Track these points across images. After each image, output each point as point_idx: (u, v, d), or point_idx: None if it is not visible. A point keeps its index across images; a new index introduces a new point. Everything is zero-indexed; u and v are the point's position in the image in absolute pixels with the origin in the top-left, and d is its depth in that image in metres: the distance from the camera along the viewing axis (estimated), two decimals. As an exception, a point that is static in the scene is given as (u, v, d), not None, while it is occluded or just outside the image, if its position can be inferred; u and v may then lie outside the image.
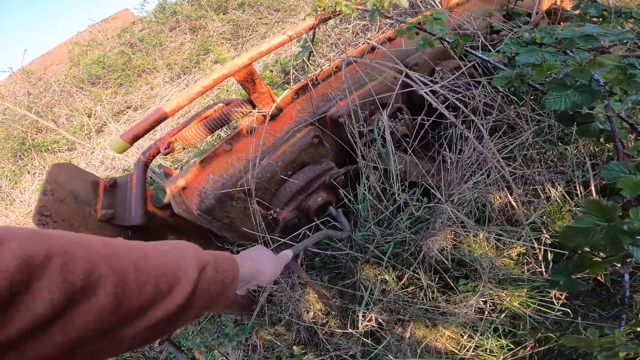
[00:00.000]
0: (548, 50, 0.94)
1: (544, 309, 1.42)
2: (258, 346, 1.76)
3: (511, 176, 1.06)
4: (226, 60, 4.75)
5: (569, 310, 1.40)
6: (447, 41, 1.28)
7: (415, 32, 1.29)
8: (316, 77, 1.58)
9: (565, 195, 1.52)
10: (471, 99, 1.33)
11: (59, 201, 1.16)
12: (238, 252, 1.80)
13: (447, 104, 1.34)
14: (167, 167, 1.70)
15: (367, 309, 1.53)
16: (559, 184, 1.48)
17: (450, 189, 1.41)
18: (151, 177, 2.93)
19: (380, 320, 1.57)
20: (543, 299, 1.43)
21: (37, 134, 5.23)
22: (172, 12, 5.37)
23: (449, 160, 1.40)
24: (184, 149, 1.58)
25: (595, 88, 0.88)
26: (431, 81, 1.31)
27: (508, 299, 1.47)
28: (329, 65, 1.60)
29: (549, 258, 1.46)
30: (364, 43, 1.65)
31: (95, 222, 1.22)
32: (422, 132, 1.48)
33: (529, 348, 1.44)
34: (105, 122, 5.08)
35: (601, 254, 0.85)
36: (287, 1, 4.77)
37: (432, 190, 1.40)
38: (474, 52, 1.18)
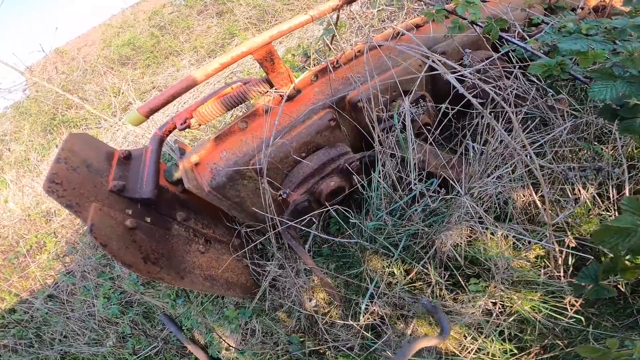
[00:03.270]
0: (595, 39, 0.84)
1: (556, 315, 1.33)
2: (257, 331, 1.73)
3: (540, 172, 0.96)
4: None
5: (581, 318, 1.31)
6: (479, 26, 1.18)
7: (444, 15, 1.19)
8: (337, 60, 1.51)
9: (596, 197, 1.40)
10: (502, 89, 1.23)
11: (72, 170, 1.15)
12: (246, 233, 1.78)
13: (474, 93, 1.25)
14: (182, 143, 1.68)
15: (371, 302, 1.47)
16: (591, 184, 1.36)
17: (471, 182, 1.32)
18: (168, 154, 2.94)
19: (383, 314, 1.51)
20: (556, 304, 1.34)
21: (67, 110, 5.37)
22: (200, -5, 5.38)
23: (472, 152, 1.30)
24: (200, 125, 1.55)
25: (645, 79, 0.78)
26: (460, 65, 1.21)
27: (519, 302, 1.38)
28: (351, 49, 1.52)
29: (569, 262, 1.37)
30: (389, 29, 1.56)
31: (105, 193, 1.20)
32: (445, 121, 1.39)
33: (533, 354, 1.35)
34: (131, 101, 5.17)
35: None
36: (316, -13, 4.68)
37: (451, 183, 1.31)
38: (509, 37, 1.08)
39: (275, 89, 1.42)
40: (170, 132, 1.55)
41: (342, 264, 1.81)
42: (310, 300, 1.65)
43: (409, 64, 1.51)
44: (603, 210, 1.46)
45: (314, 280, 1.72)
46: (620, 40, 0.93)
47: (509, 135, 1.26)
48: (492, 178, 1.24)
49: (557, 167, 1.09)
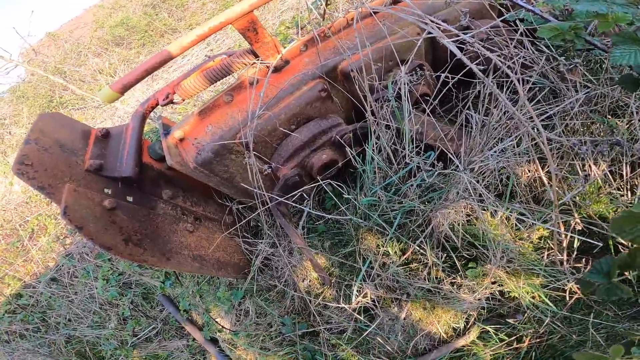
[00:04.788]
0: (615, 1, 0.73)
1: (556, 302, 1.25)
2: (250, 312, 1.69)
3: (547, 146, 0.86)
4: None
5: (583, 306, 1.23)
6: None
7: None
8: (327, 29, 1.39)
9: (608, 174, 1.30)
10: (508, 59, 1.11)
11: (43, 150, 1.07)
12: (238, 210, 1.71)
13: (477, 61, 1.13)
14: (167, 119, 1.59)
15: (363, 283, 1.41)
16: (603, 160, 1.25)
17: (471, 155, 1.22)
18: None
19: (375, 297, 1.45)
20: (556, 291, 1.26)
21: (64, 92, 5.26)
22: (193, -31, 5.13)
23: (473, 123, 1.20)
24: (183, 100, 1.45)
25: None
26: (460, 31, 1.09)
27: (519, 288, 1.30)
28: (343, 17, 1.40)
29: (574, 246, 1.25)
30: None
31: (81, 173, 1.12)
32: (445, 91, 1.28)
33: (527, 342, 1.28)
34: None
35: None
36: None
37: (450, 156, 1.21)
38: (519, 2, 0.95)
39: (261, 60, 1.32)
40: (152, 108, 1.46)
41: (338, 242, 1.74)
42: (303, 280, 1.60)
43: (406, 31, 1.38)
44: (614, 189, 1.35)
45: (307, 259, 1.67)
46: None
47: (514, 106, 1.16)
48: (495, 152, 1.14)
49: (568, 140, 0.99)
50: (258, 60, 1.32)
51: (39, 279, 2.66)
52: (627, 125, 1.34)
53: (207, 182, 1.43)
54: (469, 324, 1.39)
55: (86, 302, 2.31)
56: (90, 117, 4.67)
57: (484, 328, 1.36)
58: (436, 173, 1.22)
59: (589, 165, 1.31)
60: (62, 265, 2.59)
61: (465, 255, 1.42)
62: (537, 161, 1.18)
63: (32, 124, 1.12)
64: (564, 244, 1.18)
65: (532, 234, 1.40)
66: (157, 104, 1.45)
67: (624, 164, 1.28)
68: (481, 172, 1.28)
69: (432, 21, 1.09)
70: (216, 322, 1.74)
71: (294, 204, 1.40)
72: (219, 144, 1.30)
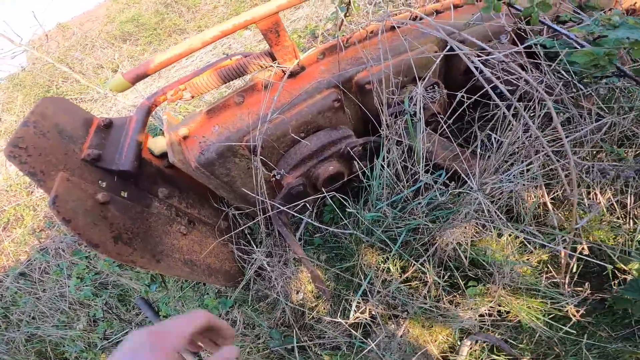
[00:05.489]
0: None
1: (553, 323, 1.23)
2: (238, 321, 1.59)
3: (575, 171, 0.83)
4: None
5: (577, 327, 1.22)
6: (517, 9, 1.03)
7: None
8: (347, 40, 1.36)
9: (615, 204, 1.28)
10: (526, 82, 1.09)
11: (40, 134, 0.99)
12: (234, 216, 1.64)
13: (492, 83, 1.10)
14: (171, 115, 1.53)
15: (363, 300, 1.34)
16: (610, 189, 1.23)
17: (484, 177, 1.19)
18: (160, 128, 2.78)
19: (375, 313, 1.39)
20: (556, 312, 1.25)
21: (63, 83, 5.16)
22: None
23: (488, 144, 1.17)
24: (192, 97, 1.40)
25: None
26: (483, 52, 1.07)
27: (520, 309, 1.26)
28: (364, 29, 1.37)
29: (573, 270, 1.23)
30: (406, 12, 1.42)
31: (77, 162, 1.04)
32: (460, 111, 1.25)
33: None
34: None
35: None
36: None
37: (463, 176, 1.17)
38: (551, 24, 0.94)
39: (278, 63, 1.27)
40: (159, 102, 1.40)
41: (334, 256, 1.68)
42: (297, 293, 1.52)
43: (425, 48, 1.36)
44: (616, 218, 1.35)
45: (303, 271, 1.59)
46: None
47: (528, 129, 1.13)
48: (509, 175, 1.11)
49: (598, 164, 0.96)
50: (275, 63, 1.27)
51: (7, 273, 2.49)
52: (635, 155, 1.34)
53: (207, 183, 1.36)
54: (467, 343, 1.33)
55: (55, 300, 2.16)
56: (88, 109, 4.57)
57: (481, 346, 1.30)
58: (448, 193, 1.17)
59: (595, 193, 1.30)
60: (35, 260, 2.43)
61: (468, 274, 1.38)
62: (543, 187, 1.15)
63: (34, 106, 1.05)
64: (570, 267, 1.17)
65: (533, 256, 1.38)
66: (165, 99, 1.39)
67: (629, 194, 1.28)
68: (493, 194, 1.24)
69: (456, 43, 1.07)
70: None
71: (295, 214, 1.34)
72: (224, 145, 1.23)
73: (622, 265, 1.24)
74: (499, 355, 1.26)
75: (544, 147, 0.93)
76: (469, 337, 1.30)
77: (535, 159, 1.09)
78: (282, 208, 1.29)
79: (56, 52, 5.77)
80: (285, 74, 1.30)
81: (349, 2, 1.50)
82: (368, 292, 1.38)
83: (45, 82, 5.14)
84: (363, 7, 2.13)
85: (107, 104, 4.54)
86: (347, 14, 1.49)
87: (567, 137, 1.14)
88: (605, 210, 1.32)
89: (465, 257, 1.28)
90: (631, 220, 1.32)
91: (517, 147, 1.11)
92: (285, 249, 1.55)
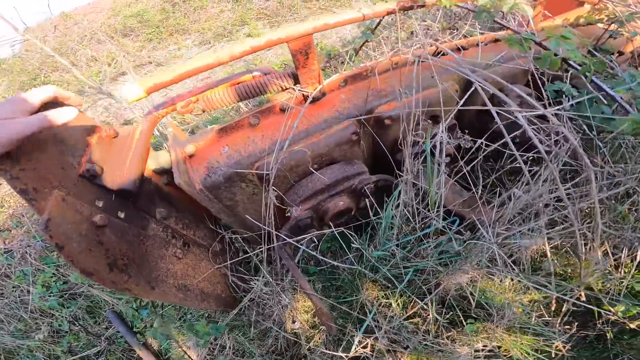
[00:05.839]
0: None
1: (543, 358, 1.29)
2: (227, 347, 1.50)
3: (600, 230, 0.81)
4: (259, 34, 4.50)
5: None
6: (572, 66, 1.01)
7: (529, 46, 1.02)
8: (371, 69, 1.32)
9: (610, 255, 1.29)
10: (551, 135, 1.07)
11: (37, 144, 0.87)
12: (231, 240, 1.55)
13: (515, 134, 1.08)
14: (177, 127, 1.44)
15: (365, 335, 1.29)
16: (609, 244, 1.25)
17: (498, 228, 1.16)
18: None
19: (374, 347, 1.34)
20: (544, 349, 1.30)
21: (51, 73, 4.95)
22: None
23: (503, 192, 1.14)
24: (203, 111, 1.31)
25: None
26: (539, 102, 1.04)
27: (512, 345, 1.29)
28: (388, 59, 1.34)
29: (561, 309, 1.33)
30: (431, 45, 1.39)
31: (74, 177, 0.93)
32: (481, 157, 1.22)
33: None
34: (125, 71, 4.84)
35: None
36: (336, -9, 4.51)
37: (478, 225, 1.14)
38: (600, 82, 0.92)
39: (300, 86, 1.22)
40: (167, 113, 1.31)
41: (330, 285, 1.61)
42: (293, 322, 1.44)
43: (447, 86, 1.34)
44: (608, 266, 1.37)
45: (299, 300, 1.52)
46: None
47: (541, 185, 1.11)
48: (526, 228, 1.08)
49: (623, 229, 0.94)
50: (297, 86, 1.22)
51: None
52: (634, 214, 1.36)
53: (209, 207, 1.27)
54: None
55: (13, 307, 1.98)
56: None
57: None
58: (465, 242, 1.13)
59: (592, 246, 1.31)
60: (-5, 262, 2.25)
61: (467, 313, 1.39)
62: (547, 243, 1.14)
63: None
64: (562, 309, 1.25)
65: (525, 296, 1.41)
66: (173, 110, 1.30)
67: (624, 248, 1.32)
68: (504, 244, 1.22)
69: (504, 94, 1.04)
70: (185, 352, 1.52)
71: (300, 246, 1.27)
72: (233, 170, 1.16)
73: (609, 308, 1.30)
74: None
75: (566, 210, 0.91)
76: None
77: (554, 216, 1.07)
78: (288, 240, 1.22)
79: (53, 40, 5.56)
80: (305, 98, 1.24)
81: (375, 28, 1.46)
82: (373, 327, 1.33)
83: (34, 69, 4.92)
84: (389, 36, 2.10)
85: (93, 97, 4.37)
86: (368, 40, 1.45)
87: (579, 195, 1.13)
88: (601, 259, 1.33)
89: (473, 300, 1.26)
90: (622, 270, 1.35)
91: (531, 201, 1.09)
92: (282, 277, 1.47)
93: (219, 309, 1.36)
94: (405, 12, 1.19)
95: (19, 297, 1.99)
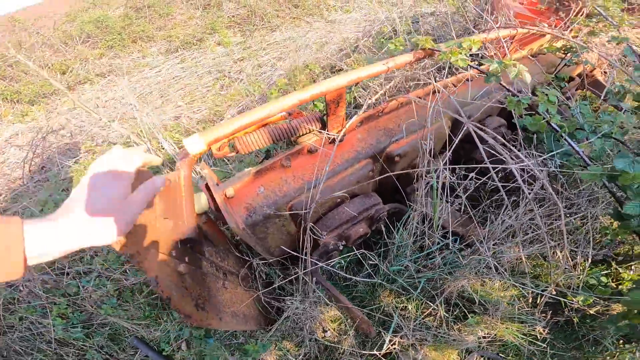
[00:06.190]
0: (638, 160, 1.05)
1: (529, 339, 1.66)
2: (268, 360, 1.74)
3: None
4: (230, 43, 4.61)
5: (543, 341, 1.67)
6: (555, 129, 1.34)
7: (525, 105, 1.33)
8: (382, 110, 1.61)
9: (568, 258, 1.69)
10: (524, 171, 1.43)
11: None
12: (257, 266, 1.78)
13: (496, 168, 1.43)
14: (211, 170, 1.62)
15: (393, 334, 1.59)
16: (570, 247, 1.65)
17: (489, 243, 1.51)
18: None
19: (399, 344, 1.65)
20: (530, 333, 1.68)
21: (-1, 81, 4.71)
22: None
23: (493, 218, 1.50)
24: (236, 152, 1.52)
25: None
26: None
27: (505, 332, 1.66)
28: (396, 100, 1.64)
29: (538, 302, 1.72)
30: (429, 84, 1.71)
31: (157, 233, 1.06)
32: (477, 185, 1.55)
33: None
34: (80, 81, 4.73)
35: None
36: (308, 0, 4.71)
37: (476, 242, 1.49)
38: (570, 141, 1.26)
39: (327, 130, 1.47)
40: (201, 154, 1.50)
41: (349, 297, 1.90)
42: (324, 332, 1.71)
43: (444, 122, 1.66)
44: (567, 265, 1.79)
45: (326, 312, 1.79)
46: None
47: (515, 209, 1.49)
48: (513, 242, 1.44)
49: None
50: (325, 130, 1.46)
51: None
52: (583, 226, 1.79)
53: (248, 241, 1.49)
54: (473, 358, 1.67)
55: (30, 339, 2.03)
56: (23, 110, 4.23)
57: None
58: (469, 257, 1.48)
59: (557, 252, 1.72)
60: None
61: (470, 310, 1.75)
62: (524, 253, 1.51)
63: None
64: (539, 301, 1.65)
65: (506, 292, 1.78)
66: (206, 151, 1.49)
67: (579, 254, 1.71)
68: (496, 255, 1.58)
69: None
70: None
71: (330, 268, 1.54)
72: (271, 211, 1.39)
73: (572, 298, 1.71)
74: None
75: (541, 230, 1.26)
76: (471, 354, 1.63)
77: (529, 236, 1.44)
78: (320, 264, 1.49)
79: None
80: (331, 141, 1.50)
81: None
82: (398, 327, 1.64)
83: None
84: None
85: (48, 107, 4.26)
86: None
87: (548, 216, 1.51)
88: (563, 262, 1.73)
89: (476, 298, 1.61)
90: (579, 268, 1.76)
91: (515, 221, 1.45)
92: (307, 294, 1.73)
93: (258, 328, 1.60)
94: (420, 61, 1.47)
95: (34, 329, 2.05)
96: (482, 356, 1.66)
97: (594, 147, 1.24)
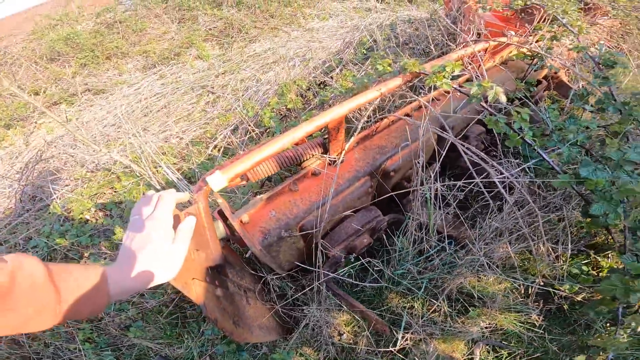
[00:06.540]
0: (599, 168, 1.33)
1: (526, 327, 1.91)
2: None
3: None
4: (209, 57, 4.75)
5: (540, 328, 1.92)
6: (527, 142, 1.59)
7: (502, 124, 1.59)
8: (376, 129, 1.85)
9: (551, 251, 1.97)
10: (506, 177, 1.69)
11: None
12: (271, 280, 1.99)
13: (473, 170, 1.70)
14: (224, 200, 1.82)
15: (405, 331, 1.83)
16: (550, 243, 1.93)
17: (480, 243, 1.78)
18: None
19: (412, 339, 1.90)
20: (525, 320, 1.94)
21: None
22: (163, -2, 5.17)
23: (482, 222, 1.77)
24: (247, 181, 1.72)
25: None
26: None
27: (505, 321, 1.91)
28: (387, 119, 1.88)
29: (529, 292, 1.96)
30: (415, 100, 1.95)
31: (193, 263, 1.25)
32: (461, 195, 1.82)
33: (518, 357, 1.89)
34: (55, 102, 4.79)
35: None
36: (285, 10, 4.90)
37: (468, 244, 1.75)
38: (542, 153, 1.53)
39: (329, 154, 1.69)
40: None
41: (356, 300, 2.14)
42: (340, 335, 1.94)
43: (429, 137, 1.91)
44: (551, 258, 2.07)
45: (339, 317, 2.01)
46: (613, 169, 1.43)
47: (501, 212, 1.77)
48: (500, 242, 1.72)
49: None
50: (327, 155, 1.69)
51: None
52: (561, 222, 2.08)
53: (265, 260, 1.71)
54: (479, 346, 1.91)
55: None
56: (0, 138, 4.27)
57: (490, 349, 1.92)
58: (465, 258, 1.74)
59: (539, 245, 2.00)
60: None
61: (470, 303, 1.99)
62: (512, 250, 1.79)
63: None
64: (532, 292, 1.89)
65: (501, 285, 2.04)
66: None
67: (560, 244, 1.99)
68: (487, 254, 1.85)
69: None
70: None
71: (341, 278, 1.78)
72: (284, 232, 1.61)
73: (559, 287, 1.96)
74: (501, 353, 1.88)
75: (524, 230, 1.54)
76: (477, 344, 1.89)
77: (513, 235, 1.72)
78: (331, 275, 1.72)
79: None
80: (333, 164, 1.73)
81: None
82: (406, 325, 1.88)
83: None
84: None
85: (25, 129, 4.32)
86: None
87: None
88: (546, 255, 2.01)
89: (473, 294, 1.87)
90: (561, 259, 2.04)
91: (502, 223, 1.73)
92: (320, 303, 1.96)
93: (280, 337, 1.82)
94: (409, 83, 1.72)
95: (62, 355, 2.17)
96: (487, 344, 1.92)
97: (562, 157, 1.51)
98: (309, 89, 3.17)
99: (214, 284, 1.39)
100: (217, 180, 1.37)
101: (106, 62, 5.00)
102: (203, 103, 3.93)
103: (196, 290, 1.19)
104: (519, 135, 1.54)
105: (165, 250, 0.91)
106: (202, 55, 4.74)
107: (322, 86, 3.16)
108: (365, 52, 3.29)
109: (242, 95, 3.54)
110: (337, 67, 3.29)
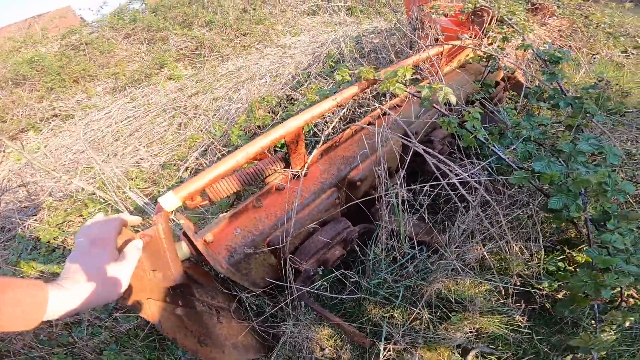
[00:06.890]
0: (553, 161, 1.42)
1: (511, 328, 1.94)
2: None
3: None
4: (181, 77, 4.84)
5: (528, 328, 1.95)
6: (481, 140, 1.69)
7: (455, 125, 1.68)
8: (339, 140, 1.93)
9: (524, 249, 2.05)
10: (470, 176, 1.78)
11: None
12: (246, 298, 2.02)
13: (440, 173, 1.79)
14: (187, 220, 1.85)
15: (386, 342, 1.86)
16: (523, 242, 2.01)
17: (451, 247, 1.85)
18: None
19: (395, 349, 1.92)
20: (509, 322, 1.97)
21: None
22: (131, 19, 5.25)
23: (450, 225, 1.85)
24: (210, 201, 1.77)
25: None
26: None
27: (489, 324, 1.95)
28: (350, 129, 1.96)
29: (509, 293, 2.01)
30: (376, 108, 2.05)
31: (148, 282, 1.30)
32: (428, 200, 1.89)
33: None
34: (23, 129, 4.80)
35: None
36: (256, 28, 5.05)
37: (440, 248, 1.82)
38: (496, 150, 1.62)
39: (291, 168, 1.76)
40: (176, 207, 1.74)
41: (336, 314, 2.17)
42: (322, 349, 1.96)
43: (394, 143, 2.00)
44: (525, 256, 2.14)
45: (320, 332, 2.04)
46: (567, 161, 1.53)
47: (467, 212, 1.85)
48: (471, 245, 1.79)
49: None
50: (289, 169, 1.75)
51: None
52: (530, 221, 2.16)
53: (233, 278, 1.74)
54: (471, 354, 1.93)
55: None
56: None
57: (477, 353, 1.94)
58: (437, 263, 1.81)
59: (512, 245, 2.08)
60: None
61: (450, 309, 2.01)
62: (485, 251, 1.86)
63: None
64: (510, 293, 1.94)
65: (481, 287, 2.08)
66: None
67: (531, 244, 2.06)
68: (460, 257, 1.92)
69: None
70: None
71: (315, 292, 1.82)
72: (251, 249, 1.65)
73: (538, 286, 2.01)
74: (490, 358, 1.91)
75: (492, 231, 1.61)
76: (470, 352, 1.91)
77: (484, 235, 1.79)
78: (304, 289, 1.76)
79: None
80: (296, 177, 1.79)
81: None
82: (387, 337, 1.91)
83: None
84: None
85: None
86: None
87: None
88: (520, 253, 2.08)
89: (451, 299, 1.92)
90: (535, 257, 2.11)
91: (468, 225, 1.80)
92: (297, 318, 1.99)
93: (259, 355, 1.84)
94: (364, 91, 1.81)
95: None
96: (472, 349, 1.94)
97: (517, 153, 1.61)
98: (279, 105, 3.27)
99: (176, 303, 1.43)
100: (170, 200, 1.42)
101: (74, 85, 5.05)
102: (176, 125, 4.00)
103: (151, 310, 1.23)
104: (472, 134, 1.63)
105: (108, 270, 0.95)
106: (174, 76, 4.83)
107: (291, 101, 3.27)
108: (333, 65, 3.43)
109: (213, 115, 3.61)
110: (306, 81, 3.41)
